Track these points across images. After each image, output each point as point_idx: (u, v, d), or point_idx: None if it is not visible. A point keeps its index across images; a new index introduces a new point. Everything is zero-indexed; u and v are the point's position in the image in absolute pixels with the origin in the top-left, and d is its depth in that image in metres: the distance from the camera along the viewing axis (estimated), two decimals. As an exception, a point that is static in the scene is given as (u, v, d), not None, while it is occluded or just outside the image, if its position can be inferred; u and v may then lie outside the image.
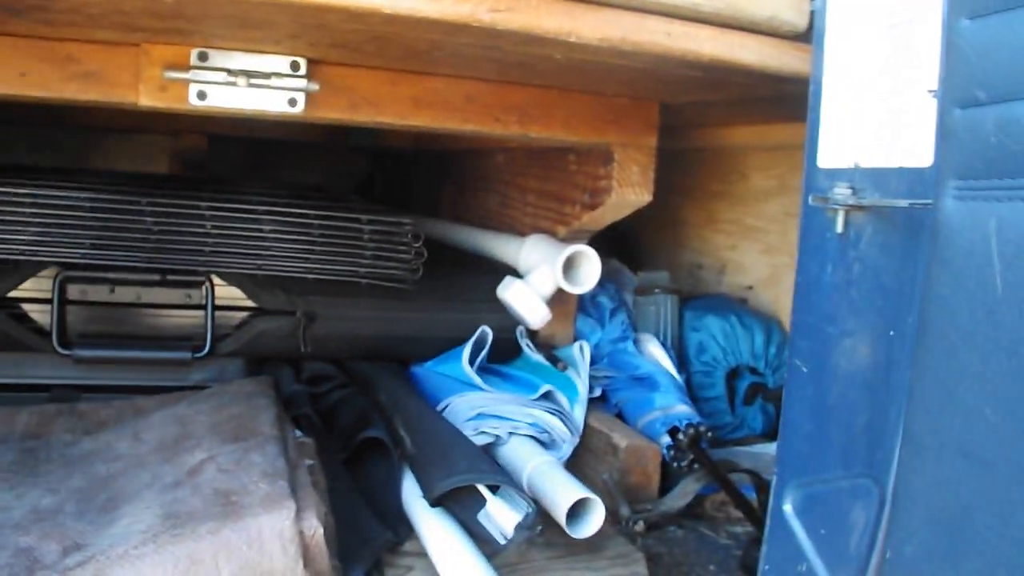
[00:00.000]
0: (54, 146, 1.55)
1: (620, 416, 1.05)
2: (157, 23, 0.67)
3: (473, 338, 0.99)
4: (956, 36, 0.45)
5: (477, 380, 0.94)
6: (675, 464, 0.93)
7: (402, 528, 0.76)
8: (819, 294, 0.58)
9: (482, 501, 0.72)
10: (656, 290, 1.24)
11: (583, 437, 0.96)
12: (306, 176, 1.86)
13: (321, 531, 0.60)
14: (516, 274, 1.04)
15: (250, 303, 0.99)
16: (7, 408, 0.81)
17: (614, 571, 0.76)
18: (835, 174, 0.57)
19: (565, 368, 1.03)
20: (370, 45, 0.72)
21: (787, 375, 0.61)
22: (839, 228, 0.55)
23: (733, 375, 1.19)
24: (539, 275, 1.00)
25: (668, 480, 0.94)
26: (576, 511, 0.75)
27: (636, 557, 0.77)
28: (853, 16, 0.56)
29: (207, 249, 0.95)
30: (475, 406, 0.90)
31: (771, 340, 1.18)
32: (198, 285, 0.98)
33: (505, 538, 0.70)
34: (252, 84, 0.76)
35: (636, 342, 1.17)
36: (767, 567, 0.61)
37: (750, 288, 1.35)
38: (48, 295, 0.93)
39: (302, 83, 0.78)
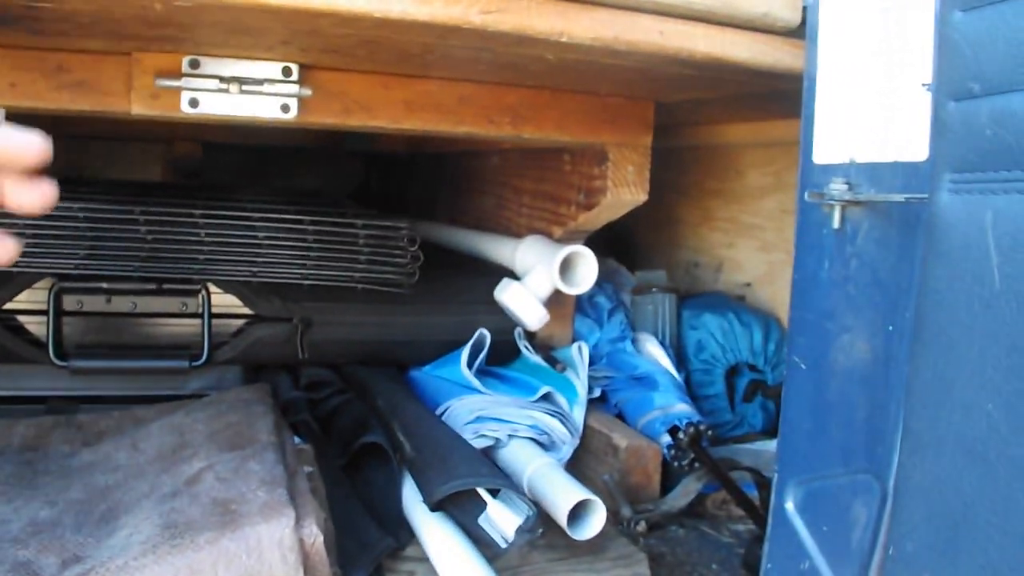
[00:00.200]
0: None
1: (620, 416, 1.04)
2: (148, 31, 0.67)
3: (471, 341, 0.99)
4: (949, 28, 0.45)
5: (476, 383, 0.94)
6: (676, 463, 0.93)
7: (403, 533, 0.75)
8: (817, 290, 0.58)
9: (482, 505, 0.71)
10: (653, 289, 1.24)
11: (583, 438, 0.96)
12: (302, 182, 1.86)
13: (321, 538, 0.60)
14: (513, 276, 1.04)
15: (246, 310, 0.99)
16: (4, 421, 0.80)
17: (616, 572, 0.75)
18: (831, 170, 0.57)
19: (564, 369, 1.03)
20: (361, 49, 0.72)
21: (786, 372, 0.61)
22: (836, 224, 0.55)
23: (732, 373, 1.19)
24: (536, 276, 0.99)
25: (669, 479, 0.94)
26: (577, 513, 0.74)
27: (638, 558, 0.77)
28: (846, 11, 0.56)
29: (202, 257, 0.95)
30: (474, 409, 0.90)
31: (770, 337, 1.18)
32: (194, 293, 0.97)
33: (506, 541, 0.69)
34: (244, 91, 0.76)
35: (635, 342, 1.17)
36: (770, 565, 0.61)
37: (748, 285, 1.35)
38: (44, 306, 0.92)
39: (294, 89, 0.78)
